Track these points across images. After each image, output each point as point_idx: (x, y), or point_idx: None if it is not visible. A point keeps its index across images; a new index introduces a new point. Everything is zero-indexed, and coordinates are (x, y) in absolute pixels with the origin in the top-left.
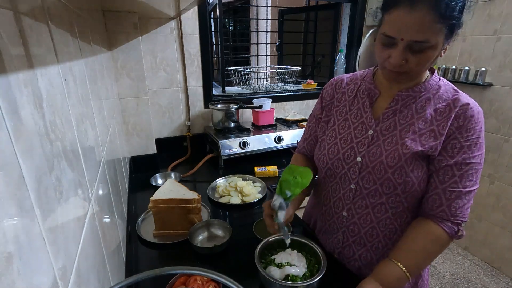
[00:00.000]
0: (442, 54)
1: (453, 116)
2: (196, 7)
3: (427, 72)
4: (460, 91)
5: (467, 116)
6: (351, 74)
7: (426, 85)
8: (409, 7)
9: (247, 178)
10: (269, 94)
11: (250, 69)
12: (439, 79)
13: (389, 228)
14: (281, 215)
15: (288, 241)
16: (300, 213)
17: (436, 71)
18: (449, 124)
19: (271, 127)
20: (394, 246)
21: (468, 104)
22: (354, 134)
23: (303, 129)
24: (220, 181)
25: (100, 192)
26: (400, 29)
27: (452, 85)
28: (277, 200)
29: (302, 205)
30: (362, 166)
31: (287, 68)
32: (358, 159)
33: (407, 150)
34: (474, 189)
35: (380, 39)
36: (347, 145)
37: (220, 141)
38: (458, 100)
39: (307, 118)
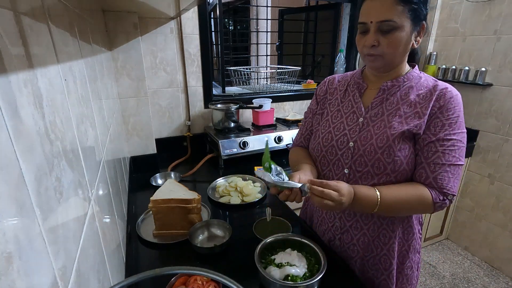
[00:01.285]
0: (415, 45)
1: (434, 98)
2: (196, 7)
3: (408, 67)
4: (439, 81)
5: (446, 97)
6: (343, 74)
7: (408, 76)
8: None
9: (247, 178)
10: (269, 94)
11: (250, 69)
12: (420, 73)
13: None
14: (268, 177)
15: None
16: (297, 212)
17: (417, 66)
18: (431, 106)
19: (271, 127)
20: (389, 226)
21: (446, 87)
22: (346, 122)
23: (296, 139)
24: (220, 181)
25: (100, 192)
26: (369, 14)
27: (431, 77)
28: (265, 176)
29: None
30: (354, 150)
31: (287, 68)
32: (351, 144)
33: (394, 130)
34: (458, 164)
35: (359, 30)
36: (340, 132)
37: (220, 141)
38: (437, 85)
39: None
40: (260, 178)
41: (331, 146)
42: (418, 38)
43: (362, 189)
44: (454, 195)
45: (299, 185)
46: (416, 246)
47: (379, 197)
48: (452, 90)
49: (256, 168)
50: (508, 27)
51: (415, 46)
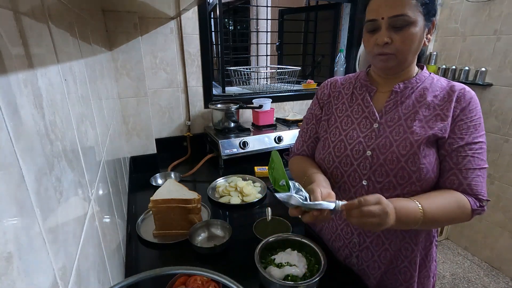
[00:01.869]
0: (426, 43)
1: (454, 99)
2: (196, 7)
3: (417, 68)
4: (452, 81)
5: (467, 98)
6: (344, 76)
7: (419, 77)
8: None
9: (247, 178)
10: (269, 94)
11: (250, 69)
12: (430, 74)
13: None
14: (294, 200)
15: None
16: None
17: (425, 67)
18: (452, 107)
19: (271, 127)
20: (412, 239)
21: (464, 88)
22: (359, 129)
23: (295, 147)
24: (220, 181)
25: (100, 192)
26: (379, 10)
27: (442, 77)
28: (290, 199)
29: None
30: (373, 160)
31: (287, 68)
32: (368, 153)
33: (418, 136)
34: (486, 167)
35: (366, 28)
36: (354, 141)
37: (220, 141)
38: (454, 86)
39: None
40: (284, 202)
41: (345, 156)
42: (429, 35)
43: (401, 202)
44: (488, 200)
45: (333, 205)
46: (433, 254)
47: (421, 209)
48: (470, 90)
49: (256, 168)
50: (508, 27)
51: (426, 44)
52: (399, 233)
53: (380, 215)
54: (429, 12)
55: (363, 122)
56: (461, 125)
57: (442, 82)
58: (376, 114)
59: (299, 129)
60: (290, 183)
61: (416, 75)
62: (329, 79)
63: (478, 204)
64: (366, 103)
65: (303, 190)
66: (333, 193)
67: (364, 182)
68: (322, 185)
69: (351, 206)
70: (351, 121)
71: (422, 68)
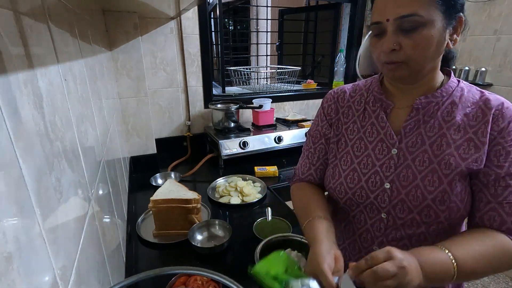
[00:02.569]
0: (451, 45)
1: (490, 119)
2: (196, 7)
3: (442, 76)
4: (485, 91)
5: (505, 116)
6: (352, 84)
7: (446, 88)
8: None
9: (247, 178)
10: (269, 94)
11: (250, 69)
12: (459, 81)
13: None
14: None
15: None
16: None
17: (452, 73)
18: (489, 130)
19: (271, 127)
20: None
21: (502, 103)
22: (374, 155)
23: (303, 129)
24: (220, 181)
25: (100, 192)
26: (384, 10)
27: (473, 85)
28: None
29: None
30: (392, 194)
31: (287, 68)
32: (386, 185)
33: (447, 169)
34: None
35: (372, 32)
36: (369, 171)
37: (220, 141)
38: (489, 101)
39: (307, 118)
40: None
41: (359, 188)
42: (455, 36)
43: (426, 253)
44: None
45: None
46: None
47: (453, 260)
48: (510, 106)
49: (256, 168)
50: (508, 27)
51: (451, 46)
52: None
53: (397, 273)
54: (451, 7)
55: (379, 146)
56: (499, 150)
57: (473, 93)
58: (395, 137)
59: (299, 129)
60: (294, 283)
61: (441, 85)
62: (335, 90)
63: None
64: (382, 123)
65: (309, 282)
66: (340, 258)
67: (383, 215)
68: (329, 247)
69: (359, 269)
70: (364, 145)
71: (449, 75)
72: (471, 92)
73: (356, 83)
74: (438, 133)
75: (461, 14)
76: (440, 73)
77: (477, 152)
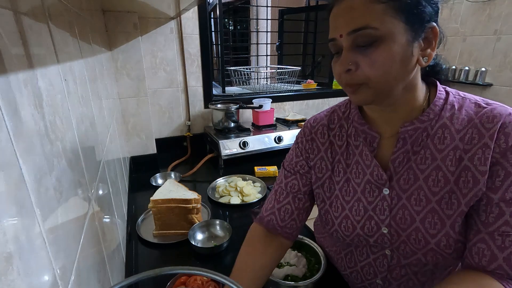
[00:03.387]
0: (422, 61)
1: (491, 143)
2: (196, 7)
3: (424, 90)
4: (482, 102)
5: (507, 132)
6: (326, 112)
7: (433, 108)
8: (337, 1)
9: (247, 178)
10: (269, 94)
11: (250, 69)
12: (447, 94)
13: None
14: None
15: None
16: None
17: (438, 84)
18: (489, 157)
19: (271, 127)
20: None
21: (504, 119)
22: (365, 199)
23: (261, 214)
24: (220, 181)
25: (100, 192)
26: (336, 25)
27: (468, 96)
28: None
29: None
30: (392, 238)
31: (287, 68)
32: (384, 230)
33: (450, 210)
34: None
35: (331, 50)
36: (362, 217)
37: (220, 141)
38: (487, 118)
39: (307, 118)
40: None
41: (356, 235)
42: (429, 50)
43: None
44: None
45: None
46: None
47: None
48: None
49: (256, 168)
50: (508, 27)
51: (423, 63)
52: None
53: None
54: (416, 15)
55: (368, 188)
56: (497, 171)
57: (467, 108)
58: (384, 175)
59: (299, 129)
60: None
61: (428, 104)
62: (312, 123)
63: None
64: (367, 161)
65: None
66: None
67: (387, 252)
68: None
69: None
70: (353, 189)
71: (435, 86)
72: (464, 107)
73: (331, 109)
74: (431, 166)
75: (433, 23)
76: (424, 88)
77: (476, 185)
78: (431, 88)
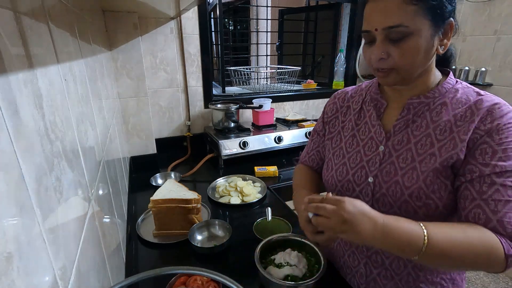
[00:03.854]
0: (440, 50)
1: (477, 119)
2: (196, 7)
3: (439, 75)
4: (486, 93)
5: (496, 116)
6: (356, 86)
7: (440, 89)
8: None
9: (247, 178)
10: (269, 94)
11: (250, 69)
12: (456, 82)
13: None
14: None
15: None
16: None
17: (451, 74)
18: (472, 128)
19: (271, 127)
20: (429, 279)
21: (495, 103)
22: (363, 151)
23: (303, 129)
24: (220, 181)
25: (100, 192)
26: (372, 20)
27: (473, 87)
28: None
29: None
30: (375, 188)
31: (287, 68)
32: (370, 179)
33: (424, 167)
34: None
35: (363, 40)
36: (357, 165)
37: (220, 141)
38: (481, 101)
39: (307, 118)
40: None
41: (346, 181)
42: (445, 40)
43: (398, 220)
44: None
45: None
46: None
47: (426, 234)
48: (504, 106)
49: (256, 168)
50: (508, 27)
51: (440, 51)
52: (411, 269)
53: (333, 216)
54: (439, 15)
55: (369, 143)
56: (484, 149)
57: (469, 94)
58: (383, 135)
59: (299, 129)
60: None
61: (437, 85)
62: (338, 91)
63: None
64: (373, 121)
65: None
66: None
67: None
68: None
69: (312, 200)
70: (356, 143)
71: (447, 75)
72: (466, 93)
73: (360, 84)
74: (424, 133)
75: (451, 19)
76: (437, 73)
77: (454, 147)
78: (444, 75)
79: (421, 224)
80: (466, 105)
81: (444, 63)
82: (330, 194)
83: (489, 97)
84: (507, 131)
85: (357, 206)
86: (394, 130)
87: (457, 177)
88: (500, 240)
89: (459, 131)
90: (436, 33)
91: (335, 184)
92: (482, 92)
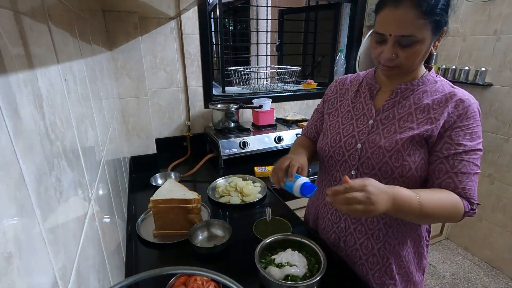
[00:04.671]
0: (433, 51)
1: (450, 106)
2: (196, 7)
3: (424, 69)
4: (457, 87)
5: (465, 105)
6: (355, 74)
7: (423, 79)
8: (394, 6)
9: (247, 178)
10: (269, 94)
11: (250, 69)
12: (436, 76)
13: (389, 216)
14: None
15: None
16: (298, 212)
17: (433, 70)
18: (446, 112)
19: (271, 127)
20: (394, 235)
21: (464, 97)
22: (356, 124)
23: (303, 129)
24: (220, 181)
25: (100, 192)
26: (388, 26)
27: (449, 82)
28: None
29: (299, 205)
30: (362, 152)
31: (287, 68)
32: (358, 146)
33: (403, 135)
34: (478, 173)
35: (373, 38)
36: (349, 134)
37: (220, 141)
38: (455, 94)
39: (307, 118)
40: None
41: (338, 146)
42: (437, 43)
43: (401, 190)
44: (479, 204)
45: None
46: (424, 253)
47: (419, 201)
48: (470, 99)
49: (256, 168)
50: (508, 27)
51: (433, 52)
52: (382, 226)
53: (364, 202)
54: (438, 26)
55: (361, 118)
56: (458, 132)
57: (445, 87)
58: (374, 111)
59: (299, 129)
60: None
61: (421, 76)
62: (340, 77)
63: (469, 207)
64: (367, 101)
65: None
66: (304, 168)
67: (353, 172)
68: (296, 156)
69: (337, 192)
70: (350, 117)
71: (430, 70)
72: (443, 85)
73: (359, 73)
74: (406, 112)
75: (445, 27)
76: (423, 68)
77: (430, 124)
78: (427, 70)
79: (416, 194)
80: (442, 94)
81: (427, 60)
82: (347, 178)
83: (461, 92)
84: (473, 119)
85: (376, 186)
86: (383, 108)
87: (433, 152)
88: (462, 201)
89: (435, 113)
90: (434, 39)
91: (328, 150)
92: (454, 86)
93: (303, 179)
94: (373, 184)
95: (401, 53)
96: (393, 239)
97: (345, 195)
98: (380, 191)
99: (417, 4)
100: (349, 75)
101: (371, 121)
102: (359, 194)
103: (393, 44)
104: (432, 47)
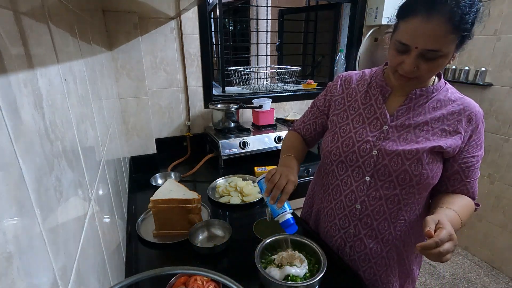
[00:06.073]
0: (451, 62)
1: (464, 120)
2: (196, 7)
3: (435, 77)
4: (464, 96)
5: (477, 119)
6: (359, 71)
7: (436, 87)
8: (426, 17)
9: (247, 178)
10: (269, 94)
11: (250, 69)
12: (446, 84)
13: (399, 220)
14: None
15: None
16: (300, 213)
17: (442, 76)
18: (461, 128)
19: (271, 127)
20: (402, 237)
21: (474, 108)
22: (369, 128)
23: (296, 124)
24: (220, 181)
25: (100, 192)
26: (415, 38)
27: (455, 89)
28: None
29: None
30: (378, 159)
31: (287, 68)
32: (374, 152)
33: (423, 144)
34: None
35: (394, 45)
36: (362, 139)
37: (220, 141)
38: (466, 106)
39: None
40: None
41: (352, 152)
42: (456, 55)
43: (450, 214)
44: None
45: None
46: (420, 263)
47: (461, 220)
48: (479, 111)
49: (256, 168)
50: (508, 27)
51: (451, 63)
52: (392, 230)
53: (453, 249)
54: (464, 41)
55: (374, 122)
56: (473, 145)
57: (455, 95)
58: (388, 116)
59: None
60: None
61: (433, 83)
62: (344, 74)
63: (475, 207)
64: (379, 104)
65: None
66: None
67: (367, 178)
68: (291, 167)
69: (429, 247)
70: (362, 120)
71: (439, 77)
72: (453, 94)
73: (363, 70)
74: (422, 120)
75: (468, 40)
76: (435, 76)
77: (449, 137)
78: (437, 76)
79: (452, 210)
80: (454, 104)
81: None
82: (431, 231)
83: (472, 103)
84: (481, 130)
85: (451, 226)
86: (397, 114)
87: (449, 162)
88: (473, 202)
89: (450, 124)
90: (455, 52)
91: (340, 154)
92: (461, 94)
93: (289, 214)
94: (451, 227)
95: (422, 66)
96: (400, 241)
97: (438, 250)
98: (451, 228)
99: (450, 18)
100: (353, 72)
101: (385, 127)
102: (449, 246)
103: (417, 56)
104: (451, 59)
